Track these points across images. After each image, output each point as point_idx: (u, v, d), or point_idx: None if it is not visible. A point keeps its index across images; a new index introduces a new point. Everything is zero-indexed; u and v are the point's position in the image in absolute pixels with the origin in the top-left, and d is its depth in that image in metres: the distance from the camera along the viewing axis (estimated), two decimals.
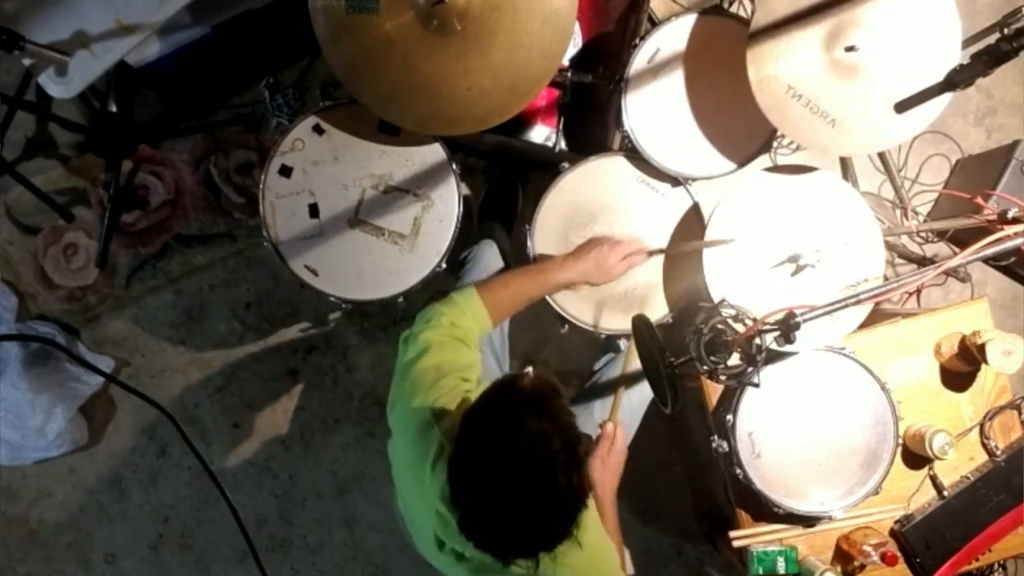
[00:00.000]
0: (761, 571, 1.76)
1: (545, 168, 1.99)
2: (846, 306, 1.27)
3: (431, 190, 1.79)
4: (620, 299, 1.83)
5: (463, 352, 1.40)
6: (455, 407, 1.28)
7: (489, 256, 1.90)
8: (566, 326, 1.86)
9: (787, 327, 1.23)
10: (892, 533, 1.80)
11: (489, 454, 1.06)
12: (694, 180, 1.82)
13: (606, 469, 1.49)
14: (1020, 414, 1.84)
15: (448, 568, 1.28)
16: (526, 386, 1.11)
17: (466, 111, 1.61)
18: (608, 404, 1.65)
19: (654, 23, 1.88)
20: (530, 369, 1.18)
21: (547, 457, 1.04)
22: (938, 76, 1.41)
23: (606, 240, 1.68)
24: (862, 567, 1.77)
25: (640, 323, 1.33)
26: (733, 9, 2.13)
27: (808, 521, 1.78)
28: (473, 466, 1.07)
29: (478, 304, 1.48)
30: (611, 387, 1.78)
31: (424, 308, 1.48)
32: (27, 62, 1.67)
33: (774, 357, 1.72)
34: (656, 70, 1.78)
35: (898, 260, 2.41)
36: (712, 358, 1.29)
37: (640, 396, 1.77)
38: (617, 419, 1.56)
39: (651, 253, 1.75)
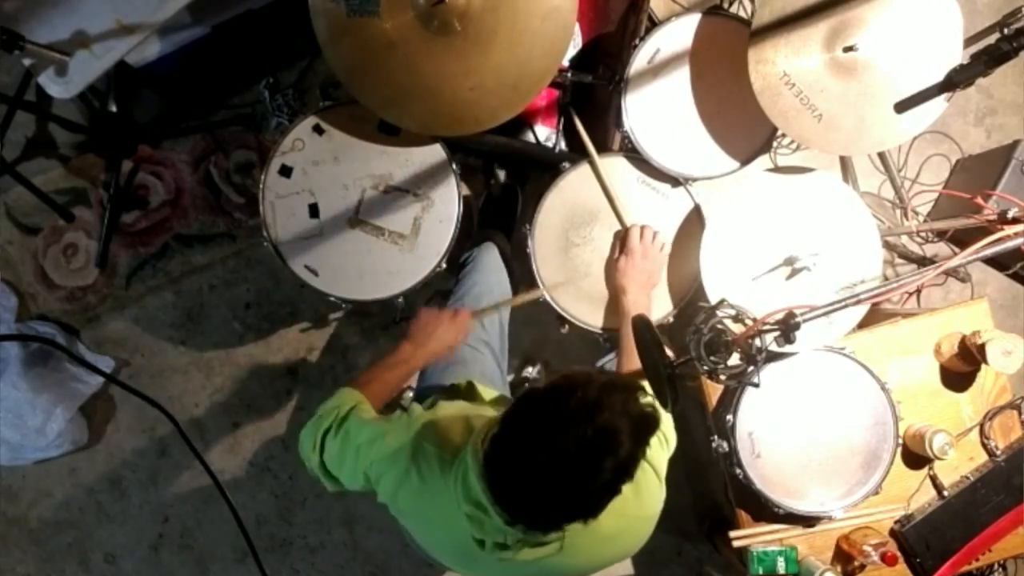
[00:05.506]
0: (761, 571, 1.76)
1: (545, 168, 1.98)
2: (846, 306, 1.27)
3: (431, 190, 1.78)
4: None
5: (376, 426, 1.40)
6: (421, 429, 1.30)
7: (489, 259, 1.90)
8: (566, 326, 1.86)
9: (787, 327, 1.23)
10: (892, 533, 1.80)
11: (545, 433, 1.03)
12: (694, 180, 1.82)
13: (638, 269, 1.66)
14: (1020, 414, 1.84)
15: (496, 569, 1.28)
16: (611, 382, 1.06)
17: (469, 111, 1.61)
18: None
19: (654, 23, 1.88)
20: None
21: (609, 452, 1.02)
22: (938, 76, 1.41)
23: (430, 313, 1.65)
24: (862, 567, 1.77)
25: (640, 323, 1.33)
26: (733, 9, 2.13)
27: (808, 521, 1.78)
28: (523, 439, 1.05)
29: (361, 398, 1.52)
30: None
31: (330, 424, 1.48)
32: (27, 62, 1.67)
33: (774, 357, 1.72)
34: (656, 70, 1.78)
35: (898, 260, 2.41)
36: (712, 358, 1.29)
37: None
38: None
39: (474, 314, 1.72)
